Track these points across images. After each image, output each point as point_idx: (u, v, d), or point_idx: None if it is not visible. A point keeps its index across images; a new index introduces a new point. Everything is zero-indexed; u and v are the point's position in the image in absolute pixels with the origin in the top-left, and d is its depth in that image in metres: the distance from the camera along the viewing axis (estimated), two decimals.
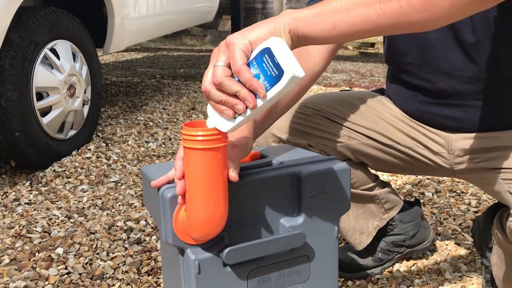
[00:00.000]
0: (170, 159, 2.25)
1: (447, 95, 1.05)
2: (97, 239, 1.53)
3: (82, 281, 1.32)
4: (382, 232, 1.31)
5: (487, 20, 0.95)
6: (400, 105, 1.16)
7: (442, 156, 1.11)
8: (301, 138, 1.13)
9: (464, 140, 1.07)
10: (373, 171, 1.25)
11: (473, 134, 1.06)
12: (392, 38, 1.10)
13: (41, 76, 2.06)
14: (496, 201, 1.29)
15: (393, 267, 1.36)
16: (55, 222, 1.65)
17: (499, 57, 0.98)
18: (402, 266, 1.36)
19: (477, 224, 1.30)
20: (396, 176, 2.01)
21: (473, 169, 1.08)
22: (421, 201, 1.77)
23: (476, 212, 1.68)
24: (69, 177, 2.04)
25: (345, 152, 1.16)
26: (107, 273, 1.35)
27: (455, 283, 1.29)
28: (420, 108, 1.11)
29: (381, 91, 1.24)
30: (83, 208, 1.76)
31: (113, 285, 1.31)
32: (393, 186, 1.90)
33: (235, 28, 4.64)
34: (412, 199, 1.50)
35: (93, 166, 2.15)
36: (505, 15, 0.94)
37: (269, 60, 0.66)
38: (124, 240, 1.53)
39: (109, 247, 1.49)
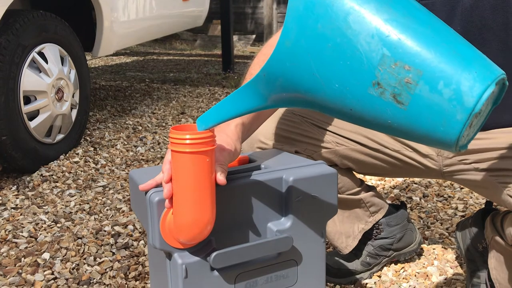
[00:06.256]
0: (158, 164, 2.24)
1: None
2: (84, 244, 1.52)
3: (69, 287, 1.30)
4: (368, 236, 1.31)
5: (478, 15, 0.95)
6: None
7: (431, 158, 1.11)
8: (288, 145, 1.13)
9: None
10: (359, 176, 1.25)
11: None
12: None
13: (28, 80, 2.05)
14: (484, 206, 1.30)
15: (381, 271, 1.36)
16: (42, 227, 1.64)
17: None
18: (390, 271, 1.36)
19: (463, 228, 1.31)
20: (384, 181, 2.02)
21: (464, 171, 1.07)
22: (409, 205, 1.78)
23: (463, 216, 1.69)
24: (57, 182, 2.02)
25: (332, 158, 1.17)
26: (94, 278, 1.34)
27: (441, 286, 1.29)
28: None
29: None
30: (70, 212, 1.74)
31: None
32: (380, 190, 1.92)
33: (225, 32, 4.64)
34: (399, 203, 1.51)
35: (81, 171, 2.13)
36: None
37: None
38: (112, 245, 1.52)
39: (96, 252, 1.48)
